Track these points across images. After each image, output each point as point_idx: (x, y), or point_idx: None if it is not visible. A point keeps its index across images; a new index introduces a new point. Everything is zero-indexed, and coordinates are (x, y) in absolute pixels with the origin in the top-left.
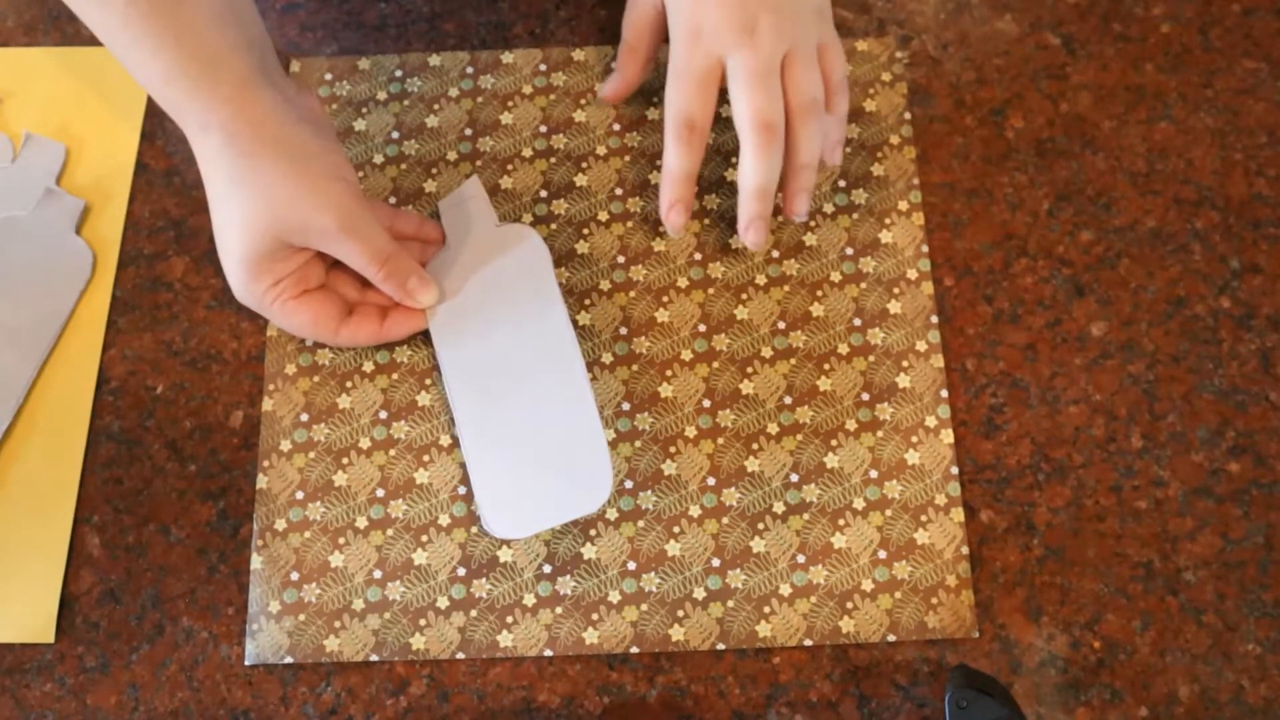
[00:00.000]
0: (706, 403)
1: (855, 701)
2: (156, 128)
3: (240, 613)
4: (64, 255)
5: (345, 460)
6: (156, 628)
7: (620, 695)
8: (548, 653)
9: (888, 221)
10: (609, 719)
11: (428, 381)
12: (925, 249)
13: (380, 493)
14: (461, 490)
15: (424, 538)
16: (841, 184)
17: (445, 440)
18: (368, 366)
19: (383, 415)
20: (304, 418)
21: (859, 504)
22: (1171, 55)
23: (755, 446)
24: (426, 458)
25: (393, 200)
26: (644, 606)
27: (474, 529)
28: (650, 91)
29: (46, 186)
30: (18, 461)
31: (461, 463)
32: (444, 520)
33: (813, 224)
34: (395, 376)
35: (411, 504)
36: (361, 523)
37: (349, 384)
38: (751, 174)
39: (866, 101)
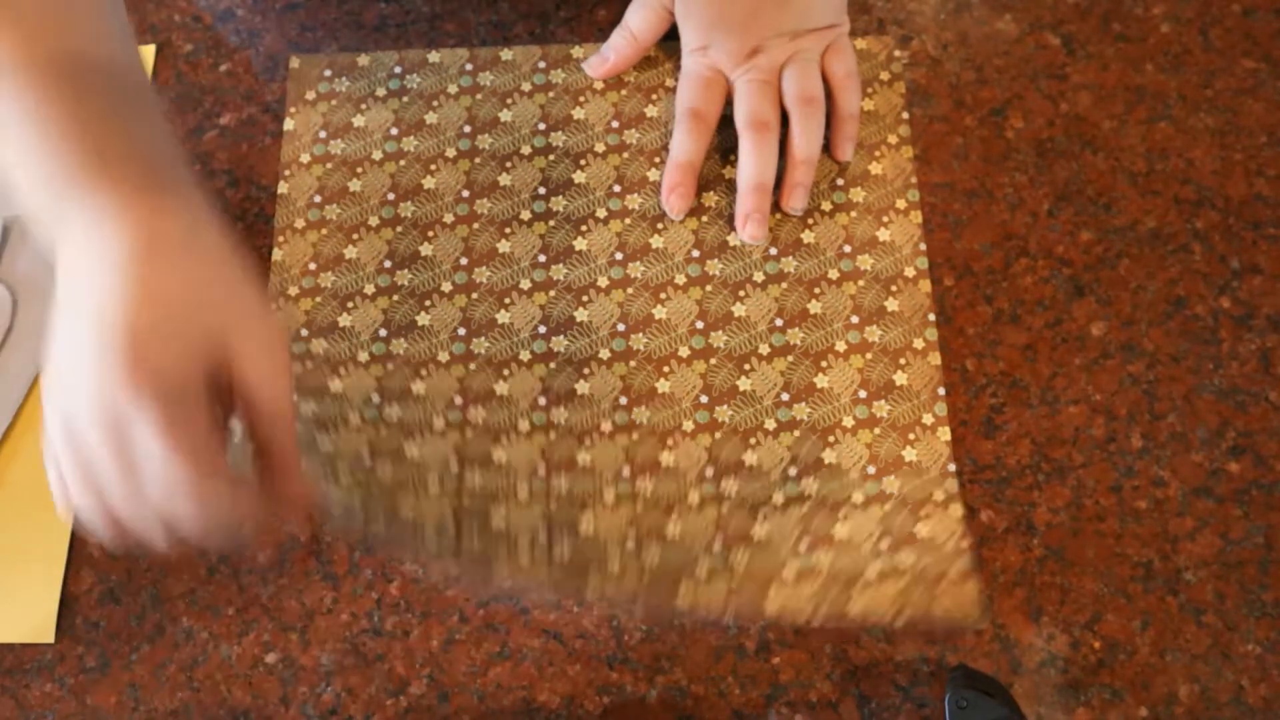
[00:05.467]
0: (704, 399)
1: (855, 701)
2: None
3: (241, 613)
4: None
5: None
6: (156, 628)
7: (620, 695)
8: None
9: (885, 219)
10: (609, 719)
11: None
12: (923, 247)
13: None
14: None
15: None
16: (839, 182)
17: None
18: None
19: (389, 197)
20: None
21: (858, 498)
22: (1171, 55)
23: (753, 442)
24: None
25: (390, 196)
26: (646, 580)
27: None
28: (649, 89)
29: None
30: (18, 461)
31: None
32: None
33: (810, 221)
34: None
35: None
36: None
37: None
38: (748, 168)
39: (864, 101)
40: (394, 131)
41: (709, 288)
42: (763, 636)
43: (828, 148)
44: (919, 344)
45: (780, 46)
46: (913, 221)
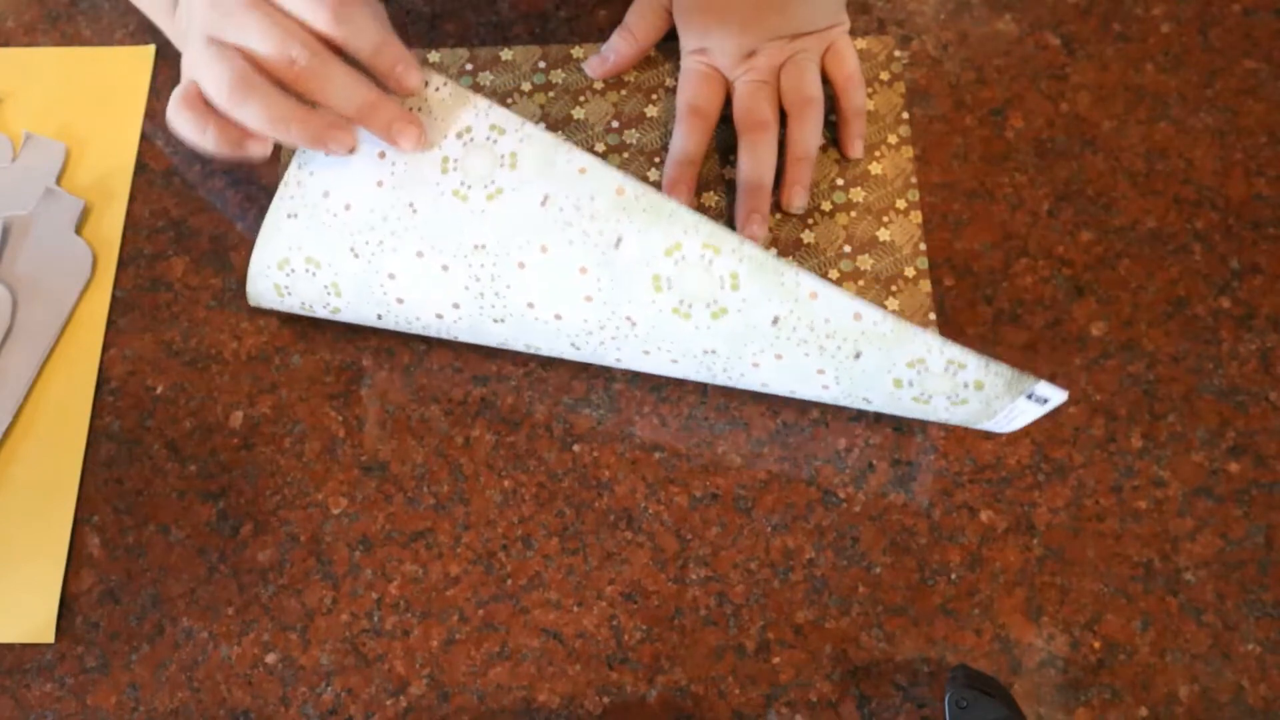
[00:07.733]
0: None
1: (855, 701)
2: (156, 128)
3: (241, 613)
4: (64, 255)
5: None
6: (156, 628)
7: (620, 695)
8: None
9: (885, 220)
10: (609, 719)
11: None
12: (923, 247)
13: None
14: None
15: None
16: (839, 182)
17: None
18: None
19: None
20: None
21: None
22: (1171, 55)
23: None
24: None
25: None
26: None
27: None
28: (649, 89)
29: (46, 186)
30: (18, 461)
31: None
32: None
33: (810, 221)
34: None
35: None
36: None
37: None
38: (747, 168)
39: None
40: None
41: None
42: (762, 636)
43: (833, 146)
44: None
45: (779, 47)
46: (913, 221)
